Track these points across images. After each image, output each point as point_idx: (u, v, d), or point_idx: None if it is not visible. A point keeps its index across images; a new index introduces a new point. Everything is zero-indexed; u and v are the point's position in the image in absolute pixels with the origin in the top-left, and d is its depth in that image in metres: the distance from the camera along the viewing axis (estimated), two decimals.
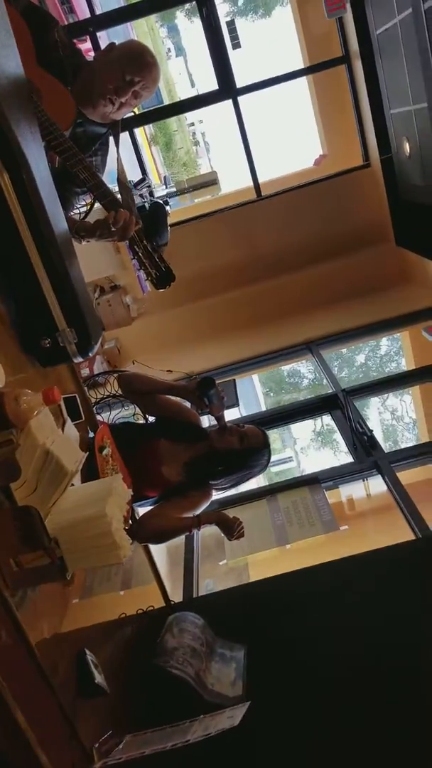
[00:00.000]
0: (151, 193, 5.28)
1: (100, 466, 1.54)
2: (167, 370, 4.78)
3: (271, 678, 1.53)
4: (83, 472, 1.46)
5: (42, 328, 1.29)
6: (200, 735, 1.07)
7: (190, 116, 26.92)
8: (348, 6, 4.53)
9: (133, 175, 5.60)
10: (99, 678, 1.12)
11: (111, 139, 1.97)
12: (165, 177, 9.25)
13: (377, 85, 4.58)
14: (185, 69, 27.78)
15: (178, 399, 1.99)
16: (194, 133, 29.65)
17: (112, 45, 1.80)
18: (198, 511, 1.90)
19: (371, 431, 3.11)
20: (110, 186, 1.95)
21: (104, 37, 9.65)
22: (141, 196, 4.76)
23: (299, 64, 5.63)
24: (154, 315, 5.25)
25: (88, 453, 1.17)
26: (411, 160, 4.32)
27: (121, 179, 1.90)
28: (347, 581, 1.89)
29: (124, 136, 5.22)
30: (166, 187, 7.42)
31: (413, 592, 1.78)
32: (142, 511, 1.93)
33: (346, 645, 1.62)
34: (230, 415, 4.93)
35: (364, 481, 3.13)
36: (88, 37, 5.07)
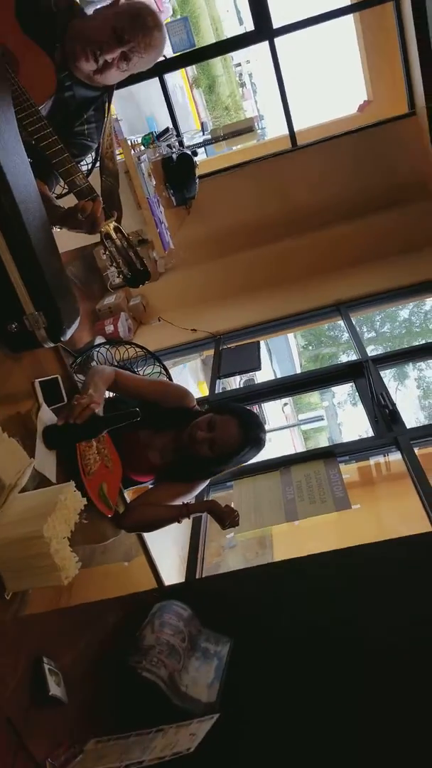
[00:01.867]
0: (180, 143, 5.06)
1: (81, 451, 1.46)
2: (192, 329, 4.72)
3: (254, 683, 1.46)
4: (61, 459, 1.39)
5: (8, 312, 1.20)
6: (155, 757, 1.01)
7: (237, 56, 25.88)
8: None
9: (164, 123, 5.38)
10: (55, 689, 1.07)
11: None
12: (203, 123, 8.91)
13: (426, 27, 4.20)
14: (233, 5, 26.56)
15: (162, 380, 1.87)
16: (241, 74, 28.53)
17: (116, 0, 1.60)
18: (192, 495, 1.82)
19: (394, 404, 2.96)
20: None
21: None
22: (169, 146, 4.55)
23: (345, 2, 5.24)
24: (182, 271, 5.10)
25: (33, 461, 1.09)
26: None
27: (106, 159, 1.72)
28: (357, 574, 1.76)
29: (153, 82, 4.98)
30: (203, 134, 7.12)
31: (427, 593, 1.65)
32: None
33: (349, 650, 1.52)
34: (263, 376, 4.81)
35: (384, 456, 3.01)
36: None
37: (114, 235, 1.48)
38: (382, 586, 1.69)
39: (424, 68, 4.38)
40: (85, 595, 1.54)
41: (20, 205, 1.15)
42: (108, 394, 1.81)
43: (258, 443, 1.78)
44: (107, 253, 1.48)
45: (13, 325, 1.19)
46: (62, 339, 1.25)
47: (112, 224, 1.49)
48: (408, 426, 2.86)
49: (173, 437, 1.80)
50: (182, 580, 2.39)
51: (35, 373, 1.40)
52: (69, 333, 1.26)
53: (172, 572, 2.87)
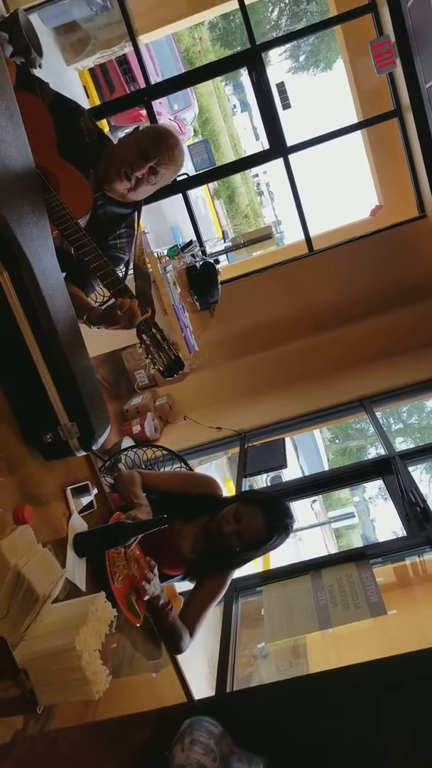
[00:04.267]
0: (203, 252, 5.33)
1: (110, 558, 1.47)
2: (217, 428, 4.76)
3: None
4: (90, 566, 1.40)
5: (43, 422, 1.25)
6: None
7: (254, 168, 27.59)
8: (397, 61, 4.52)
9: (188, 232, 5.70)
10: None
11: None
12: (224, 232, 9.44)
13: (429, 136, 4.50)
14: (250, 124, 28.64)
15: (185, 471, 1.94)
16: (258, 184, 30.30)
17: (137, 128, 1.82)
18: (227, 586, 1.89)
19: (425, 501, 2.91)
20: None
21: (165, 103, 10.08)
22: (193, 255, 4.80)
23: (353, 118, 5.65)
24: (206, 370, 5.21)
25: (65, 571, 1.10)
26: None
27: (139, 264, 1.88)
28: (399, 685, 1.68)
29: (177, 197, 5.33)
30: (224, 242, 7.51)
31: None
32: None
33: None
34: (290, 473, 4.77)
35: (419, 557, 2.91)
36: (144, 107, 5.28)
37: (150, 329, 1.58)
38: (427, 698, 1.61)
39: (430, 175, 4.64)
40: (112, 707, 1.49)
41: (57, 324, 1.23)
42: None
43: (285, 530, 1.83)
44: (143, 346, 1.57)
45: (48, 436, 1.24)
46: (94, 448, 1.29)
47: (147, 319, 1.59)
48: None
49: (203, 526, 1.85)
50: (212, 691, 2.29)
51: (67, 479, 1.44)
52: (100, 441, 1.31)
53: (200, 682, 2.75)
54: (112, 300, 1.58)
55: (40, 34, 3.69)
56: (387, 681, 1.70)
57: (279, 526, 1.81)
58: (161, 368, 1.57)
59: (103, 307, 1.65)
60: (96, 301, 1.98)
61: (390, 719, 1.56)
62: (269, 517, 1.79)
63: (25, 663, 0.88)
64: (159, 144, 1.72)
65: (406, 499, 2.91)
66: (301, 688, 1.83)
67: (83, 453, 1.28)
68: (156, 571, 1.61)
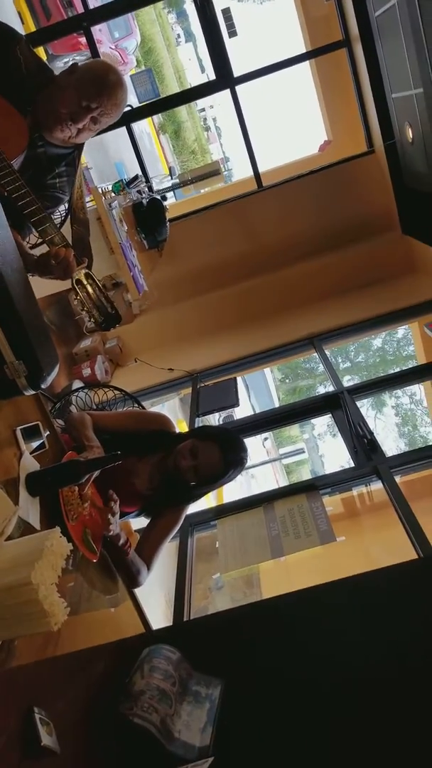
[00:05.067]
0: (150, 188, 5.18)
1: (65, 497, 1.47)
2: (169, 369, 4.75)
3: (247, 723, 1.44)
4: (45, 505, 1.40)
5: None
6: None
7: (200, 102, 26.60)
8: None
9: (133, 168, 5.50)
10: (47, 740, 1.05)
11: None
12: (171, 168, 9.16)
13: (378, 69, 4.41)
14: (195, 55, 27.35)
15: (136, 410, 1.94)
16: (205, 119, 29.28)
17: (74, 66, 1.68)
18: (182, 520, 1.92)
19: (372, 433, 3.01)
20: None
21: (105, 30, 9.53)
22: (139, 192, 4.66)
23: (301, 49, 5.47)
24: (156, 312, 5.16)
25: (18, 508, 1.09)
26: (414, 147, 4.16)
27: (77, 209, 1.79)
28: (346, 606, 1.77)
29: (121, 131, 5.11)
30: (171, 178, 7.28)
31: (416, 620, 1.66)
32: None
33: (341, 679, 1.52)
34: (241, 412, 4.83)
35: (366, 486, 3.03)
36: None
37: (85, 281, 1.52)
38: (371, 616, 1.70)
39: (378, 109, 4.58)
40: (72, 643, 1.52)
41: None
42: None
43: (241, 463, 1.87)
44: (78, 298, 1.51)
45: None
46: (42, 386, 1.26)
47: (83, 271, 1.52)
48: (388, 454, 2.90)
49: (157, 462, 1.87)
50: (170, 624, 2.36)
51: (16, 420, 1.41)
52: (49, 380, 1.28)
53: (158, 617, 2.83)
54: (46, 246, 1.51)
55: None
56: (334, 602, 1.79)
57: (235, 460, 1.84)
58: (97, 322, 1.52)
59: (37, 255, 1.57)
60: (29, 243, 1.89)
61: (335, 637, 1.65)
62: (225, 451, 1.82)
63: None
64: (101, 92, 1.61)
65: (354, 431, 3.00)
66: (253, 613, 1.90)
67: (32, 392, 1.25)
68: (117, 507, 1.61)
